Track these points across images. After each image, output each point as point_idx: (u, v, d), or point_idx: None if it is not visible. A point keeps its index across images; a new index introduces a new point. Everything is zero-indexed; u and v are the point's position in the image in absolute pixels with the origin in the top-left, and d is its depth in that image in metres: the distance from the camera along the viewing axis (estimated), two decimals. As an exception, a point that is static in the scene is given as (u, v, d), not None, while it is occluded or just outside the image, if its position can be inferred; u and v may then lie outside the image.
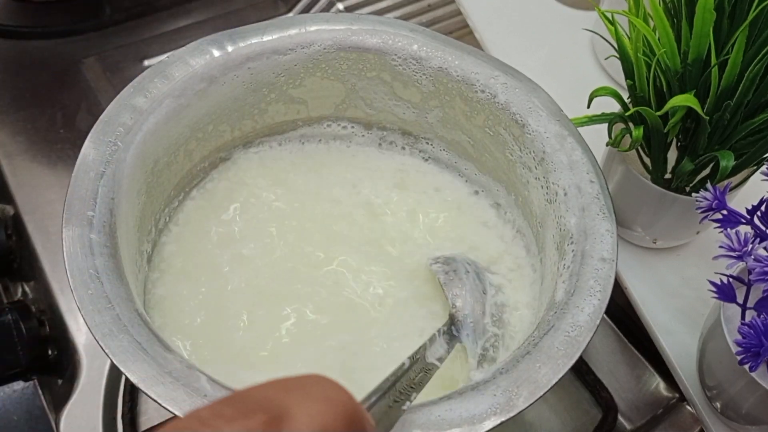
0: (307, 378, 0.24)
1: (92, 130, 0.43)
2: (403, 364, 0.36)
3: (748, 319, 0.43)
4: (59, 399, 0.54)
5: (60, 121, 0.67)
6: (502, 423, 0.35)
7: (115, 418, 0.53)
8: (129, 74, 0.66)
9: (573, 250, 0.42)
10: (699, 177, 0.49)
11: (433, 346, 0.39)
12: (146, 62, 0.71)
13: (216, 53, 0.47)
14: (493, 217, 0.52)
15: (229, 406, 0.22)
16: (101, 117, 0.44)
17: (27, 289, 0.60)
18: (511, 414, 0.36)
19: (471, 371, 0.40)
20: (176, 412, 0.34)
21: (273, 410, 0.22)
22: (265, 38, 0.49)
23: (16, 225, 0.61)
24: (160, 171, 0.47)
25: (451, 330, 0.42)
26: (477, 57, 0.49)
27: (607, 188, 0.45)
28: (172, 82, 0.46)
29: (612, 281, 0.41)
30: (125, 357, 0.36)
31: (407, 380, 0.34)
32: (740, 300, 0.43)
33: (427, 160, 0.54)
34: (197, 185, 0.51)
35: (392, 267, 0.49)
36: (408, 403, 0.33)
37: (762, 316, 0.40)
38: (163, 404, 0.34)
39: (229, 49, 0.48)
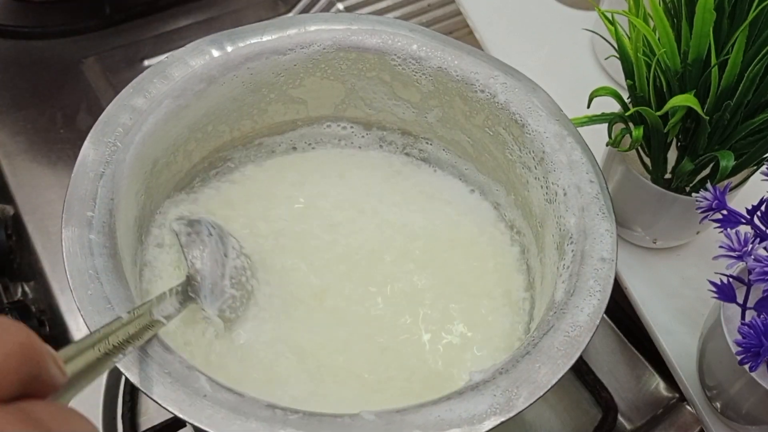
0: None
1: (92, 131, 0.43)
2: (120, 317, 0.35)
3: (748, 319, 0.43)
4: (59, 399, 0.53)
5: (60, 121, 0.67)
6: (501, 423, 0.35)
7: (114, 419, 0.53)
8: (129, 74, 0.66)
9: (573, 250, 0.42)
10: (699, 177, 0.49)
11: (162, 303, 0.39)
12: (146, 62, 0.72)
13: (215, 53, 0.47)
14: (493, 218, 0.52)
15: None
16: (101, 117, 0.44)
17: (27, 289, 0.60)
18: (511, 414, 0.36)
19: (471, 372, 0.40)
20: (176, 413, 0.34)
21: None
22: (265, 38, 0.49)
23: (16, 225, 0.61)
24: (160, 171, 0.47)
25: (187, 290, 0.42)
26: (476, 57, 0.49)
27: (607, 188, 0.45)
28: (172, 82, 0.46)
29: (612, 281, 0.41)
30: (125, 357, 0.36)
31: (124, 334, 0.34)
32: (740, 300, 0.43)
33: (426, 160, 0.54)
34: (197, 186, 0.51)
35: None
36: (121, 356, 0.33)
37: (762, 316, 0.40)
38: (163, 405, 0.34)
39: (229, 49, 0.48)
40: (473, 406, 0.36)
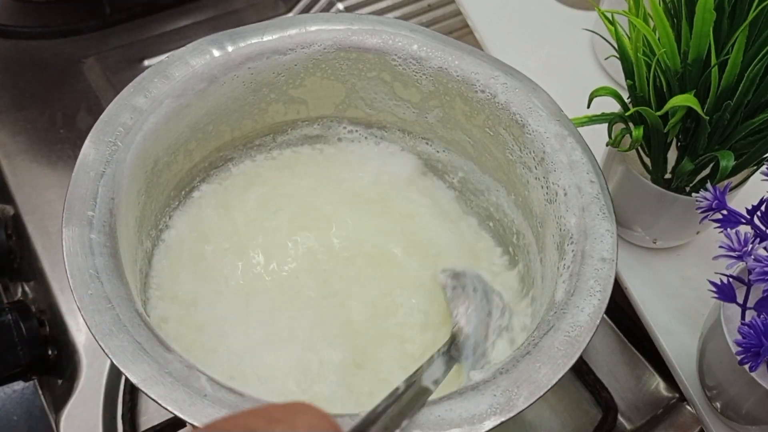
0: (294, 407, 0.23)
1: (92, 130, 0.43)
2: (398, 388, 0.33)
3: (748, 319, 0.43)
4: (59, 399, 0.54)
5: (60, 121, 0.67)
6: (502, 423, 0.35)
7: (115, 418, 0.53)
8: (129, 74, 0.66)
9: (573, 250, 0.42)
10: (699, 177, 0.49)
11: (431, 368, 0.37)
12: (146, 62, 0.72)
13: (216, 53, 0.47)
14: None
15: None
16: (101, 117, 0.44)
17: (27, 289, 0.60)
18: (511, 414, 0.35)
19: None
20: (176, 413, 0.34)
21: None
22: (266, 38, 0.49)
23: (16, 225, 0.61)
24: (161, 171, 0.47)
25: (451, 351, 0.40)
26: (477, 57, 0.49)
27: (607, 188, 0.45)
28: (173, 82, 0.46)
29: (612, 281, 0.41)
30: (125, 357, 0.36)
31: (399, 406, 0.32)
32: (740, 300, 0.43)
33: (426, 159, 0.55)
34: (197, 185, 0.51)
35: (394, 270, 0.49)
36: (398, 431, 0.31)
37: (762, 316, 0.40)
38: (163, 404, 0.34)
39: (230, 49, 0.48)
40: (473, 405, 0.36)
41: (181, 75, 0.46)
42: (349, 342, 0.44)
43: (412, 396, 0.33)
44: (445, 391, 0.36)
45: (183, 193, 0.51)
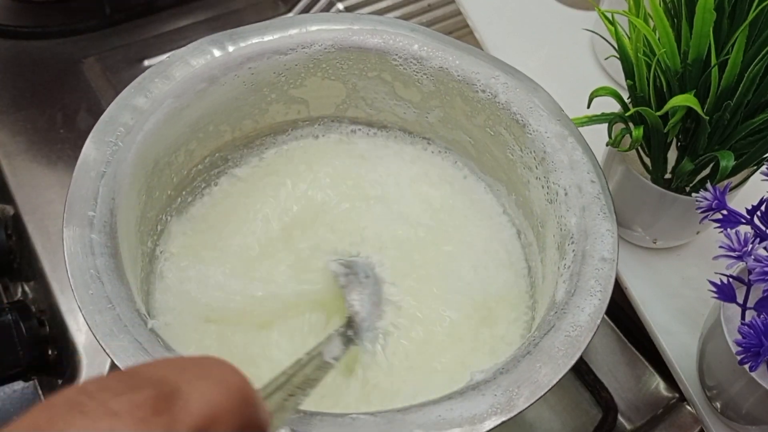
0: (205, 359, 0.24)
1: (93, 130, 0.43)
2: (300, 359, 0.35)
3: (748, 319, 0.43)
4: (59, 399, 0.53)
5: (60, 121, 0.67)
6: (502, 423, 0.35)
7: (115, 418, 0.53)
8: (129, 74, 0.66)
9: (573, 250, 0.42)
10: (699, 177, 0.49)
11: (330, 345, 0.39)
12: (146, 62, 0.71)
13: (217, 53, 0.47)
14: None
15: (118, 381, 0.21)
16: (102, 117, 0.44)
17: (27, 289, 0.60)
18: (512, 414, 0.36)
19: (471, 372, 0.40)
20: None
21: (164, 387, 0.21)
22: (266, 38, 0.49)
23: (16, 225, 0.61)
24: (161, 171, 0.47)
25: (347, 332, 0.43)
26: (477, 57, 0.49)
27: (608, 188, 0.45)
28: (173, 82, 0.46)
29: (612, 281, 0.41)
30: (126, 357, 0.36)
31: (303, 376, 0.34)
32: (740, 300, 0.43)
33: (427, 159, 0.55)
34: (198, 185, 0.51)
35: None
36: (303, 398, 0.33)
37: (762, 316, 0.40)
38: (164, 404, 0.34)
39: (230, 49, 0.48)
40: (474, 405, 0.36)
41: (182, 75, 0.46)
42: None
43: (313, 368, 0.36)
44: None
45: (184, 192, 0.51)
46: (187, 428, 0.21)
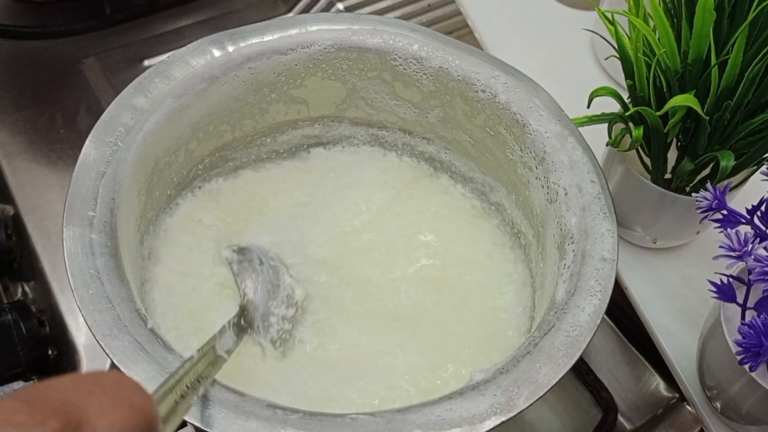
0: (107, 376, 0.23)
1: (93, 130, 0.43)
2: (192, 357, 0.34)
3: (748, 319, 0.43)
4: (59, 399, 0.53)
5: (60, 121, 0.67)
6: (502, 423, 0.35)
7: (115, 418, 0.53)
8: (129, 74, 0.66)
9: (573, 250, 0.42)
10: (699, 177, 0.49)
11: (223, 338, 0.38)
12: (146, 62, 0.71)
13: (217, 53, 0.47)
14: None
15: (22, 409, 0.20)
16: (102, 117, 0.44)
17: (27, 289, 0.60)
18: (512, 414, 0.36)
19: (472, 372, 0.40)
20: (177, 412, 0.34)
21: (70, 415, 0.20)
22: (266, 38, 0.49)
23: (16, 225, 0.61)
24: (161, 171, 0.47)
25: (241, 322, 0.42)
26: (477, 57, 0.49)
27: (608, 188, 0.45)
28: (173, 82, 0.46)
29: (612, 281, 0.41)
30: (126, 357, 0.36)
31: (195, 373, 0.33)
32: (740, 300, 0.43)
33: (426, 159, 0.55)
34: (198, 185, 0.51)
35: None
36: (195, 396, 0.32)
37: (762, 316, 0.40)
38: (164, 404, 0.34)
39: (230, 49, 0.48)
40: (474, 405, 0.36)
41: (182, 75, 0.46)
42: None
43: (205, 364, 0.35)
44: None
45: (184, 192, 0.51)
46: None
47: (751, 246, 0.40)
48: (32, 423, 0.20)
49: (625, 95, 0.48)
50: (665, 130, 0.46)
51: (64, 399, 0.21)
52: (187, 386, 0.32)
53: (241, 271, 0.45)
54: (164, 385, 0.30)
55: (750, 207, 0.43)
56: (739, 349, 0.41)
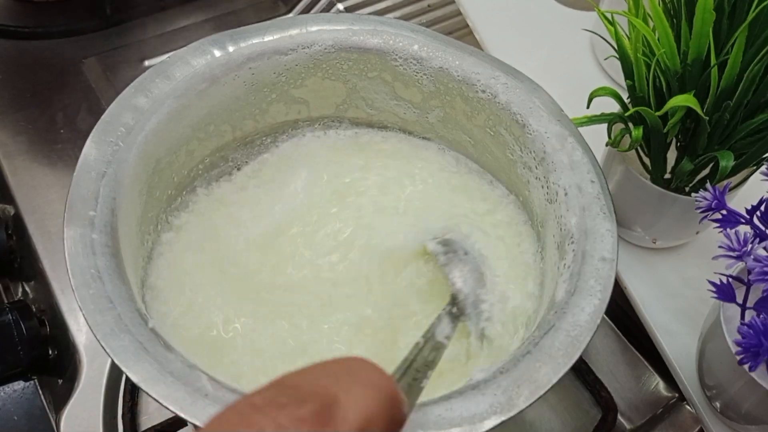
0: (352, 362, 0.25)
1: (94, 130, 0.43)
2: (418, 342, 0.36)
3: (747, 319, 0.43)
4: (59, 399, 0.54)
5: (60, 121, 0.67)
6: (502, 422, 0.35)
7: (115, 418, 0.53)
8: (129, 74, 0.66)
9: (573, 250, 0.42)
10: (699, 177, 0.49)
11: (441, 324, 0.40)
12: (147, 62, 0.72)
13: (217, 53, 0.48)
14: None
15: (282, 394, 0.23)
16: (103, 117, 0.44)
17: (27, 289, 0.60)
18: (512, 413, 0.36)
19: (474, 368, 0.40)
20: (177, 412, 0.34)
21: (323, 398, 0.23)
22: (267, 38, 0.49)
23: (17, 225, 0.61)
24: (162, 171, 0.47)
25: (452, 310, 0.43)
26: (478, 57, 0.49)
27: (608, 188, 0.45)
28: (174, 82, 0.46)
29: (612, 281, 0.41)
30: (126, 357, 0.36)
31: (422, 359, 0.35)
32: (740, 300, 0.43)
33: (426, 159, 0.55)
34: (199, 185, 0.51)
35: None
36: (425, 380, 0.34)
37: (762, 316, 0.41)
38: (165, 404, 0.34)
39: (231, 49, 0.48)
40: (474, 405, 0.36)
41: (183, 75, 0.46)
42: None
43: (430, 350, 0.37)
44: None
45: (184, 192, 0.51)
46: None
47: (750, 246, 0.40)
48: (291, 402, 0.23)
49: (624, 95, 0.49)
50: (665, 130, 0.46)
51: (316, 383, 0.24)
52: (417, 370, 0.34)
53: (447, 262, 0.46)
54: (400, 368, 0.32)
55: (750, 207, 0.43)
56: (739, 349, 0.41)
